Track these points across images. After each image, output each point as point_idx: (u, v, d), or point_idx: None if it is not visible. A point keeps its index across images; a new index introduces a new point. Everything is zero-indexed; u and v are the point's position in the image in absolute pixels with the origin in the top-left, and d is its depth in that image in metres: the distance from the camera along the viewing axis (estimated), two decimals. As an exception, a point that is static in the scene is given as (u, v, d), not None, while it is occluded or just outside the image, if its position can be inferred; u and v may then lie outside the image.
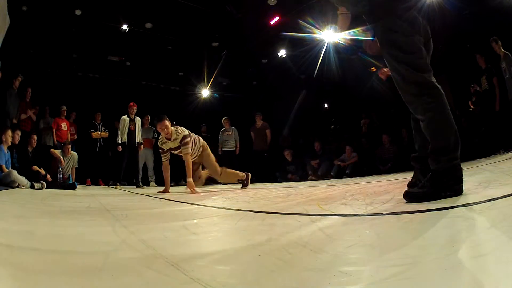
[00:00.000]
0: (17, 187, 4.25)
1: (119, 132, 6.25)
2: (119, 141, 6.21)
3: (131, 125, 6.29)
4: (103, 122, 7.44)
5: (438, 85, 1.61)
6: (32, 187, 4.33)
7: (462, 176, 1.57)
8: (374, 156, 6.96)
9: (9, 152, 4.79)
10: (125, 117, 6.30)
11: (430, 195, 1.51)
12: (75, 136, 7.14)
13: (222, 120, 7.68)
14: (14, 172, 4.35)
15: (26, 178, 4.40)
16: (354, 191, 2.52)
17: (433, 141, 1.60)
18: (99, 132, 7.26)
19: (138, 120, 6.47)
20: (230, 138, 7.61)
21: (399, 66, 1.63)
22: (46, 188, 4.51)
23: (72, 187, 4.83)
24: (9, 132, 4.77)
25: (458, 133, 1.58)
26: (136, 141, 6.40)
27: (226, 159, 6.84)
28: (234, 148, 7.56)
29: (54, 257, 0.92)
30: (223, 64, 8.60)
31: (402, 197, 1.60)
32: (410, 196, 1.57)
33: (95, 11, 6.52)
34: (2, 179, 4.33)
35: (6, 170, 4.46)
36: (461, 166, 1.57)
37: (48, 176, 5.17)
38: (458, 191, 1.54)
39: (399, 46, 1.62)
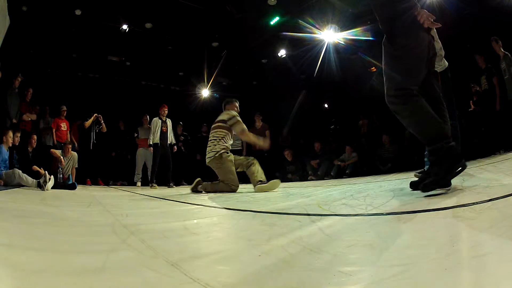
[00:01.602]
0: (20, 186, 4.24)
1: (151, 134, 6.32)
2: (151, 143, 6.31)
3: (163, 127, 6.37)
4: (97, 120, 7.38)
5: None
6: (39, 185, 4.25)
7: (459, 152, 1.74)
8: (374, 156, 6.96)
9: (8, 152, 4.78)
10: (156, 119, 6.37)
11: (445, 177, 1.63)
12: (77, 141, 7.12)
13: None
14: (18, 171, 4.34)
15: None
16: (354, 191, 2.52)
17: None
18: (92, 118, 6.94)
19: (169, 121, 6.54)
20: (237, 138, 7.59)
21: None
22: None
23: (72, 187, 4.82)
24: (10, 134, 4.78)
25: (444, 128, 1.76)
26: (168, 142, 6.48)
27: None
28: (240, 148, 7.53)
29: (54, 257, 0.92)
30: (223, 64, 8.60)
31: (410, 188, 1.78)
32: (426, 185, 1.64)
33: (95, 11, 6.52)
34: (6, 180, 4.32)
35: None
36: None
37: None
38: (463, 165, 1.67)
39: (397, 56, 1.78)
